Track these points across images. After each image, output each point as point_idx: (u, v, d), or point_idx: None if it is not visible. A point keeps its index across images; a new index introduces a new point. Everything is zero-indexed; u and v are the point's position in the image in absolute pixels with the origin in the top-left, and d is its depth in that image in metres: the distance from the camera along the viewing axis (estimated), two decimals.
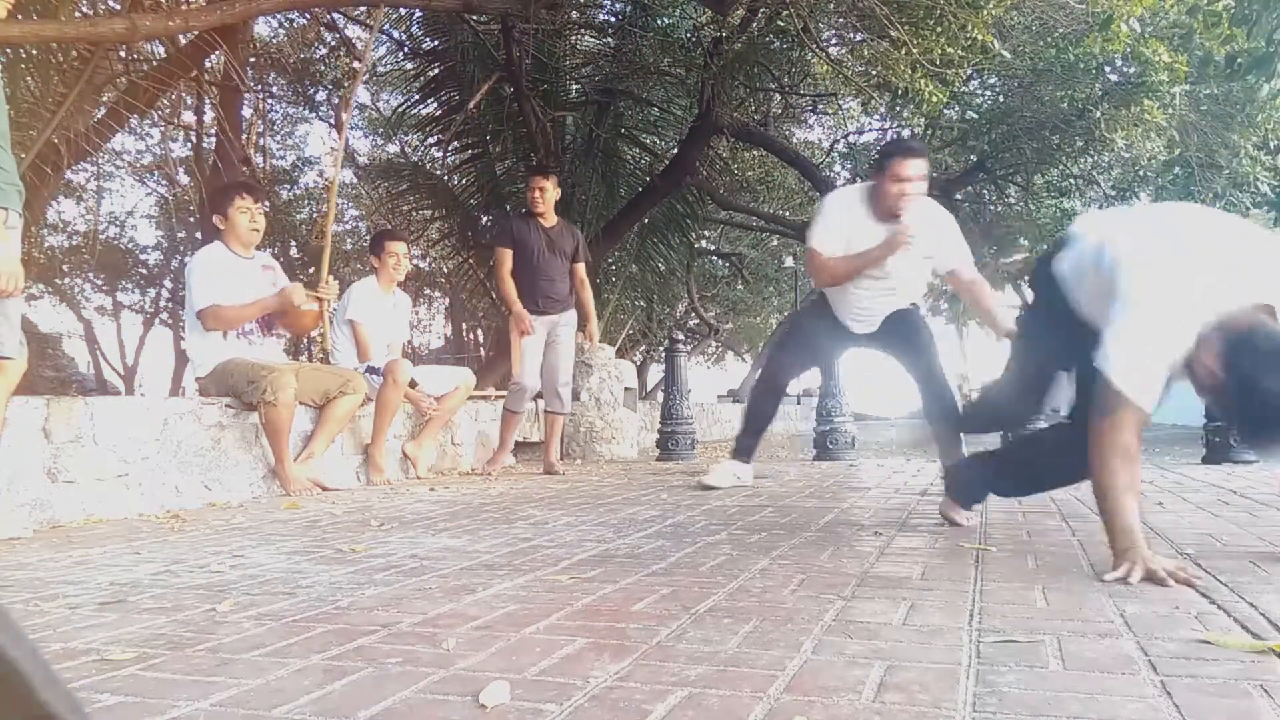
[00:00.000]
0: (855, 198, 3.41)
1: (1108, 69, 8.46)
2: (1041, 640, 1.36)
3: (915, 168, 3.21)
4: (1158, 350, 1.84)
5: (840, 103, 11.01)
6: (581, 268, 5.09)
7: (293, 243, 16.00)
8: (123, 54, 6.90)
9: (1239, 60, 6.04)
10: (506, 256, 4.94)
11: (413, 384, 4.52)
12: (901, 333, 3.45)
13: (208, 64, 8.23)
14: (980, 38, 6.14)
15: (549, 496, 3.70)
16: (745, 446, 3.91)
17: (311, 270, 13.79)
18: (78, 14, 5.87)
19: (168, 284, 18.25)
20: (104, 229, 17.24)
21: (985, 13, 6.10)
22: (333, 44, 12.73)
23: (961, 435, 3.31)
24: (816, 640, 1.38)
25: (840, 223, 3.38)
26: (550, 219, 4.99)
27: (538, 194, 4.96)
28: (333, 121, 16.22)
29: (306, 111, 16.01)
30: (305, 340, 15.13)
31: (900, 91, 6.93)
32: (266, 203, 14.51)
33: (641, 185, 9.70)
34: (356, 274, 16.09)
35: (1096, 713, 1.05)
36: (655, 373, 18.75)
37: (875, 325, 3.49)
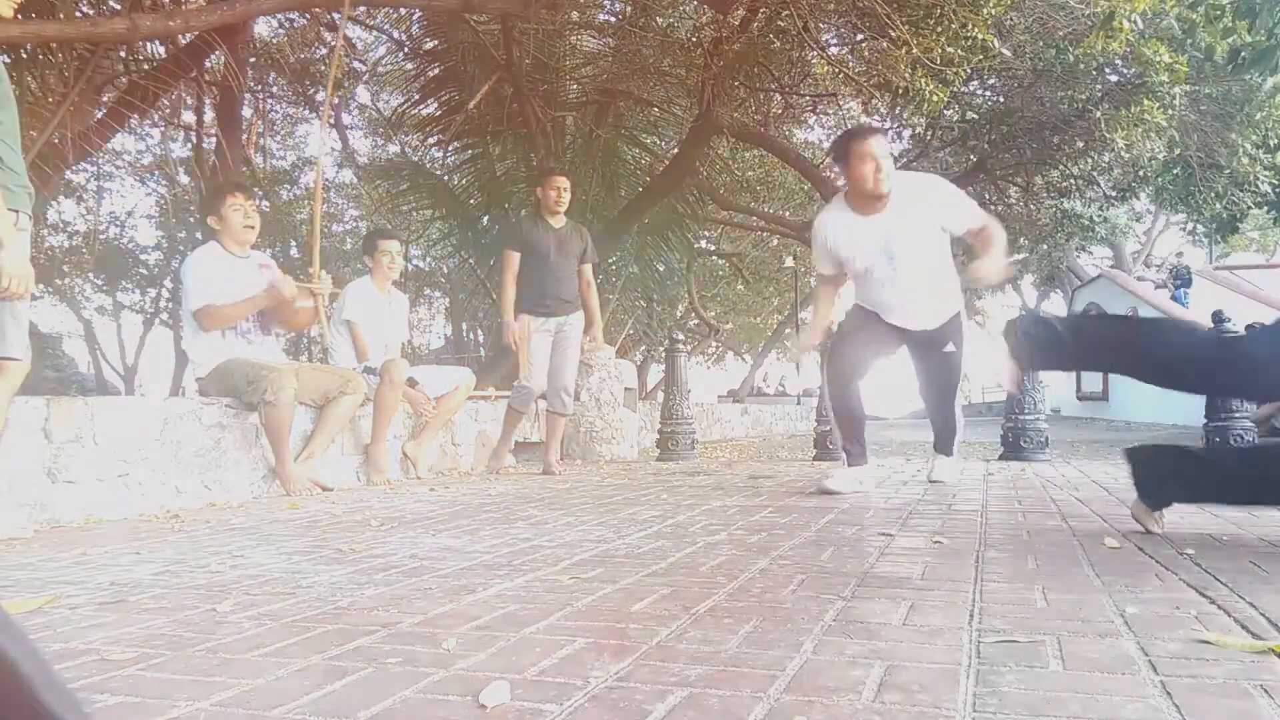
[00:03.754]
0: (834, 206, 3.60)
1: (1108, 70, 8.46)
2: (1041, 640, 1.36)
3: (877, 144, 3.33)
4: None
5: (840, 103, 11.00)
6: (589, 269, 5.08)
7: (293, 242, 15.98)
8: (123, 54, 6.90)
9: (1242, 55, 6.03)
10: (513, 259, 4.90)
11: (413, 383, 4.51)
12: (935, 365, 3.78)
13: (208, 64, 8.22)
14: (981, 37, 6.14)
15: (549, 496, 3.69)
16: (855, 452, 3.70)
17: (311, 269, 13.78)
18: (78, 14, 5.87)
19: (168, 284, 18.24)
20: (104, 229, 17.23)
21: (985, 12, 6.10)
22: (333, 44, 12.71)
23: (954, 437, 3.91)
24: (816, 640, 1.38)
25: (827, 239, 3.54)
26: (560, 220, 4.98)
27: (559, 194, 4.91)
28: (333, 122, 16.21)
29: (306, 111, 15.99)
30: (305, 340, 15.13)
31: (900, 91, 6.92)
32: (266, 203, 14.52)
33: (641, 185, 9.70)
34: (356, 274, 16.03)
35: (1096, 713, 1.05)
36: (655, 373, 18.75)
37: (925, 322, 3.60)
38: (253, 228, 4.05)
